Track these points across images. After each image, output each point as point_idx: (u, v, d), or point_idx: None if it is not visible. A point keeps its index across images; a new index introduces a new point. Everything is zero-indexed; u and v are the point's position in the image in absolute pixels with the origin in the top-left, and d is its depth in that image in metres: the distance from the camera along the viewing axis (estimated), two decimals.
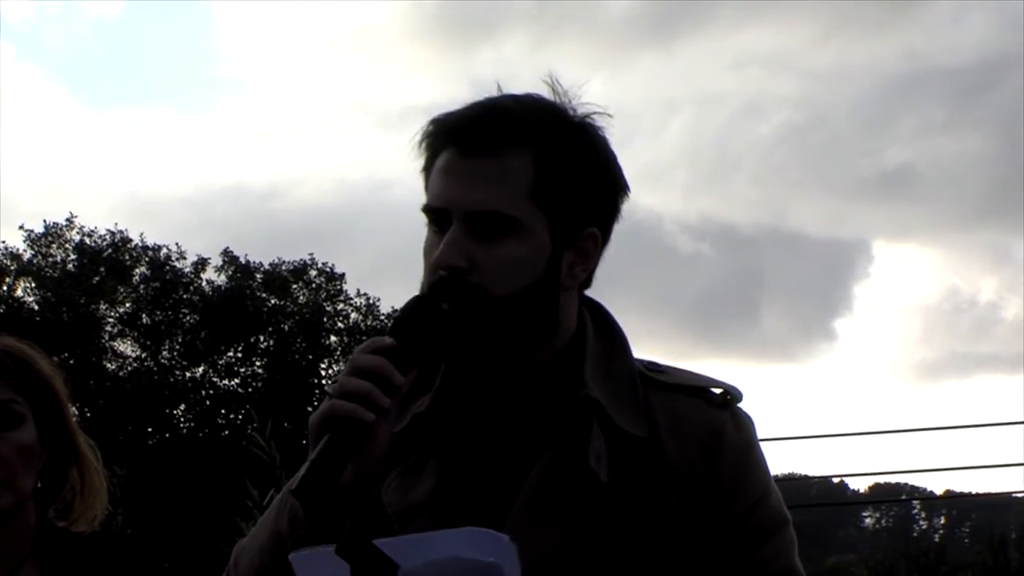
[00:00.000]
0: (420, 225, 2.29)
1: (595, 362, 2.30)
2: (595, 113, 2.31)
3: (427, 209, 2.26)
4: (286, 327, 42.64)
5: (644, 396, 2.30)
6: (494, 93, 2.31)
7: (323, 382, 42.20)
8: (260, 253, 43.39)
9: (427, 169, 2.29)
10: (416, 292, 2.25)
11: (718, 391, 2.35)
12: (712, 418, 2.31)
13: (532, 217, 2.22)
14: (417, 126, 2.30)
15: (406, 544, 2.01)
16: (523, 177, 2.22)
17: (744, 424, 2.34)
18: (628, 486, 2.23)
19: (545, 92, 2.31)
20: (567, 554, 2.19)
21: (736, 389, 2.36)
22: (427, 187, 2.28)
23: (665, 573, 2.23)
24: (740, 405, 2.35)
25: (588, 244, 2.29)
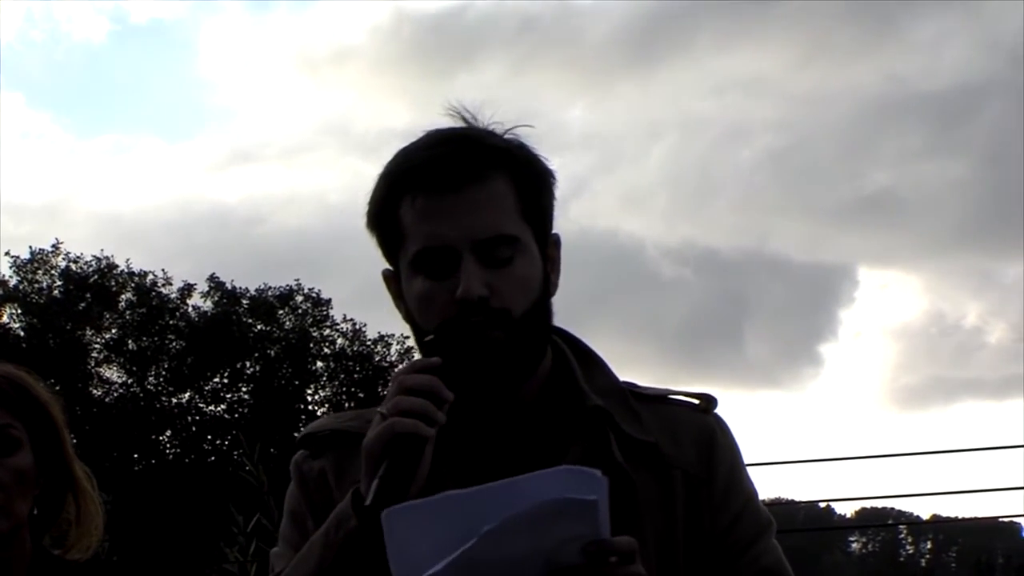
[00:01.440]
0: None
1: (584, 379, 2.37)
2: (517, 126, 2.36)
3: (424, 252, 2.26)
4: (272, 352, 42.60)
5: (634, 407, 2.37)
6: (480, 121, 2.35)
7: (309, 407, 42.16)
8: (244, 278, 43.47)
9: (389, 223, 2.30)
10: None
11: (697, 400, 2.43)
12: (702, 423, 2.40)
13: (526, 235, 2.29)
14: (394, 151, 2.33)
15: (495, 491, 2.02)
16: (509, 197, 2.28)
17: (728, 428, 2.43)
18: (643, 488, 2.29)
19: (453, 122, 2.35)
20: None
21: (713, 396, 2.44)
22: (403, 239, 2.29)
23: (680, 571, 2.30)
24: (717, 411, 2.44)
25: (555, 251, 2.37)
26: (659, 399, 2.41)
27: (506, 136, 2.34)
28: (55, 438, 2.88)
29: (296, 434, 2.50)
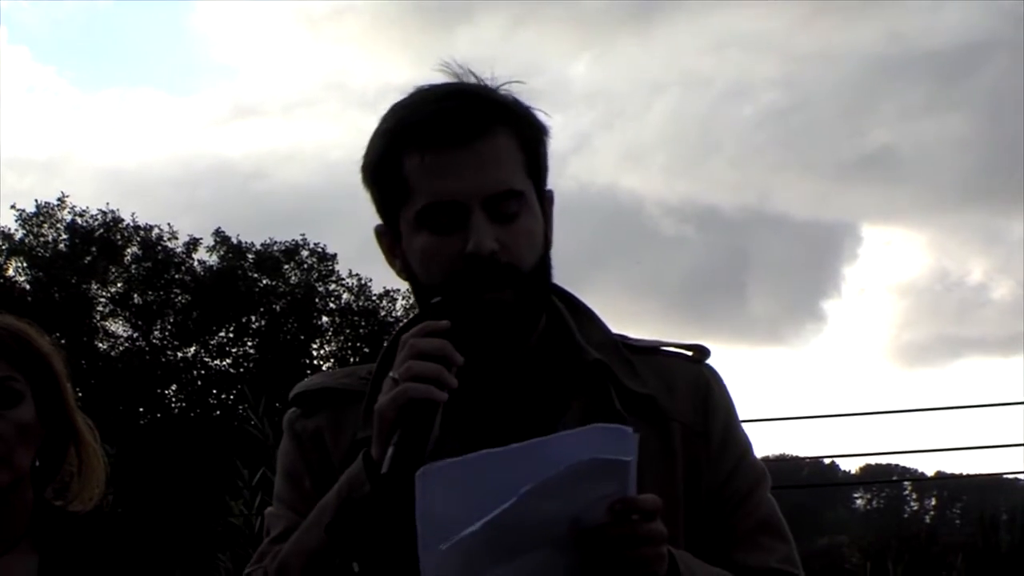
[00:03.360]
0: None
1: (579, 333, 2.37)
2: (510, 82, 2.35)
3: (431, 207, 2.25)
4: (278, 307, 42.64)
5: (629, 359, 2.37)
6: (481, 76, 2.34)
7: (315, 362, 42.22)
8: (248, 233, 43.37)
9: (391, 179, 2.29)
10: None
11: (690, 351, 2.43)
12: (696, 374, 2.40)
13: (529, 189, 2.29)
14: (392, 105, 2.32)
15: (528, 451, 2.03)
16: (514, 151, 2.28)
17: (722, 379, 2.44)
18: (644, 443, 2.27)
19: (448, 78, 2.34)
20: None
21: (705, 347, 2.44)
22: (408, 193, 2.27)
23: (680, 523, 2.29)
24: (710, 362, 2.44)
25: (549, 207, 2.37)
26: (651, 351, 2.41)
27: (502, 92, 2.33)
28: (57, 390, 2.88)
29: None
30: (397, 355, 2.19)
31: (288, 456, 2.40)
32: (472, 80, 2.33)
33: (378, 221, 2.37)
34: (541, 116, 2.34)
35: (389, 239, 2.35)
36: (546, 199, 2.36)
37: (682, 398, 2.36)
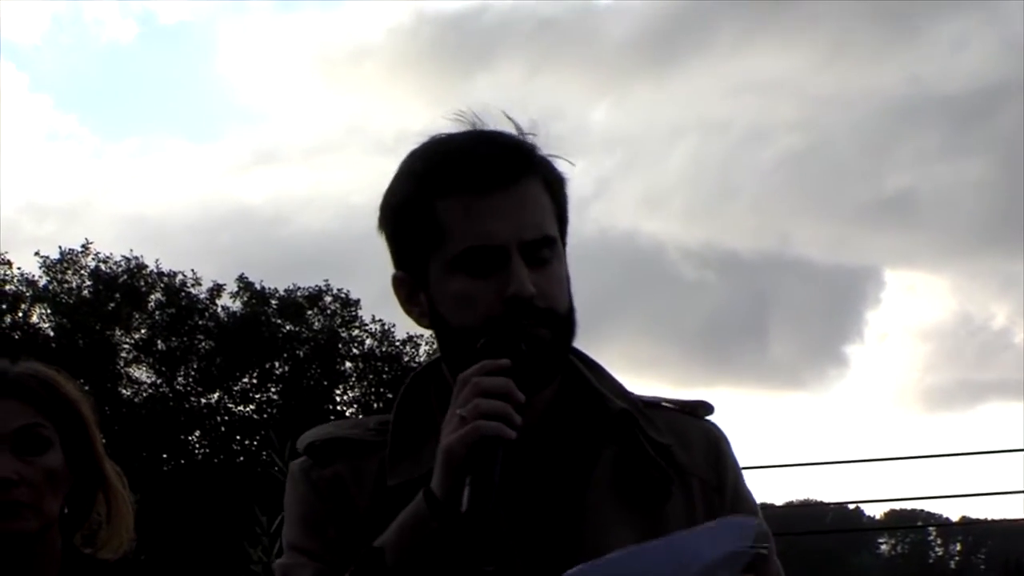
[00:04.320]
0: None
1: (599, 383, 2.37)
2: (527, 134, 2.34)
3: (474, 251, 2.24)
4: (301, 353, 42.66)
5: (645, 412, 2.38)
6: (499, 121, 2.34)
7: (338, 407, 42.20)
8: (269, 279, 43.39)
9: (424, 223, 2.27)
10: None
11: (697, 407, 2.44)
12: (706, 430, 2.42)
13: (558, 236, 2.31)
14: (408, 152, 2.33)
15: (663, 549, 2.05)
16: (546, 200, 2.29)
17: (726, 436, 2.44)
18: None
19: (458, 124, 2.34)
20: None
21: (709, 403, 2.45)
22: (444, 237, 2.26)
23: None
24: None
25: (565, 258, 2.37)
26: (659, 406, 2.41)
27: (528, 140, 2.33)
28: (85, 437, 2.87)
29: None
30: (455, 394, 2.18)
31: (305, 504, 2.35)
32: (490, 128, 2.33)
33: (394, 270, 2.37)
34: (563, 164, 2.35)
35: (409, 286, 2.33)
36: (564, 250, 2.36)
37: (696, 452, 2.36)
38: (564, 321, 2.28)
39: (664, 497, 2.28)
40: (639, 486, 2.29)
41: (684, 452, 2.35)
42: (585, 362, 2.41)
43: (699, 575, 2.01)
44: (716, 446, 2.39)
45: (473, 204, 2.24)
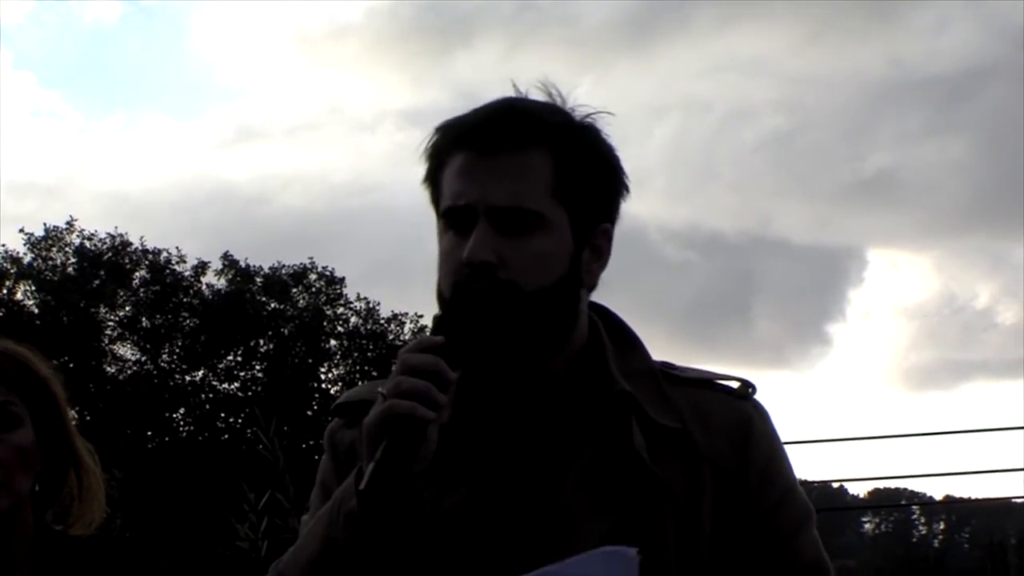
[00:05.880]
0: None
1: (616, 360, 2.33)
2: (597, 113, 2.34)
3: (449, 210, 2.26)
4: (286, 331, 42.67)
5: (666, 391, 2.33)
6: (480, 98, 2.33)
7: (323, 386, 42.23)
8: (253, 256, 43.41)
9: (434, 176, 2.31)
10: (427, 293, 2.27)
11: (736, 384, 2.38)
12: (738, 410, 2.35)
13: (555, 214, 2.26)
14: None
15: None
16: (544, 174, 2.25)
17: (767, 416, 2.38)
18: (667, 476, 2.25)
19: (539, 96, 2.34)
20: (617, 543, 2.18)
21: (751, 382, 2.39)
22: (440, 192, 2.29)
23: (702, 563, 2.26)
24: (756, 397, 2.39)
25: (602, 242, 2.33)
26: (695, 383, 2.36)
27: (583, 119, 2.31)
28: (56, 414, 2.87)
29: (309, 412, 2.46)
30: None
31: (324, 467, 2.39)
32: (555, 100, 2.32)
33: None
34: (610, 152, 2.32)
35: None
36: (599, 232, 2.32)
37: (717, 434, 2.30)
38: (529, 299, 2.22)
39: (643, 491, 2.23)
40: (616, 479, 2.25)
41: (704, 434, 2.30)
42: (613, 331, 2.37)
43: None
44: (746, 427, 2.32)
45: (463, 164, 2.25)
